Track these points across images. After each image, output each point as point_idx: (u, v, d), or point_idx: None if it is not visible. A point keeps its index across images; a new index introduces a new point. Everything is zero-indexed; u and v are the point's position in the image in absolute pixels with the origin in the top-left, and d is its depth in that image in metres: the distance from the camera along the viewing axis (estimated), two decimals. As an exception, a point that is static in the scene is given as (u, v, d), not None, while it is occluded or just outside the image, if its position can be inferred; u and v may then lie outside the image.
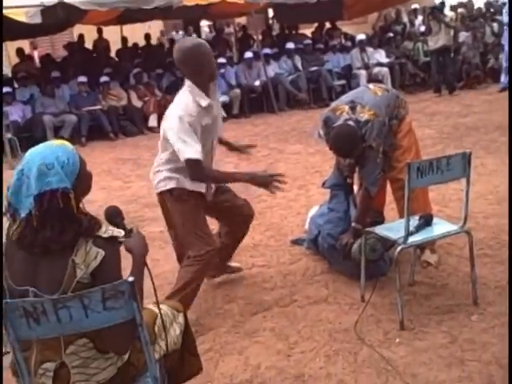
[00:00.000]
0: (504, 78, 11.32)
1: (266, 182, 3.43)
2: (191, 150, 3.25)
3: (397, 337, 3.23)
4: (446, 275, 3.93)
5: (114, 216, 2.31)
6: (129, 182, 7.37)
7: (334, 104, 3.99)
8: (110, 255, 2.04)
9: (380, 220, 4.11)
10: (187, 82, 3.40)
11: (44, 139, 9.56)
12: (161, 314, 2.33)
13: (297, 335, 3.36)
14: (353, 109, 3.79)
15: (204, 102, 3.35)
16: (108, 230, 2.08)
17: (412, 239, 3.39)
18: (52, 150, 2.05)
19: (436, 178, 3.36)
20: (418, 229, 3.50)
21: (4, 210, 2.11)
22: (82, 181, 2.11)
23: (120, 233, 2.11)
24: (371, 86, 4.15)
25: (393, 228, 3.58)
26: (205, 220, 3.59)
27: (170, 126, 3.33)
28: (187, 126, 3.27)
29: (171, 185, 3.47)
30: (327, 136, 3.86)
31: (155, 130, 10.75)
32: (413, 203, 3.42)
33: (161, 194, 3.57)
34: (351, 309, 3.60)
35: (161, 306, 2.49)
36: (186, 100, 3.36)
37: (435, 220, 3.62)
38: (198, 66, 3.33)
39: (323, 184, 4.38)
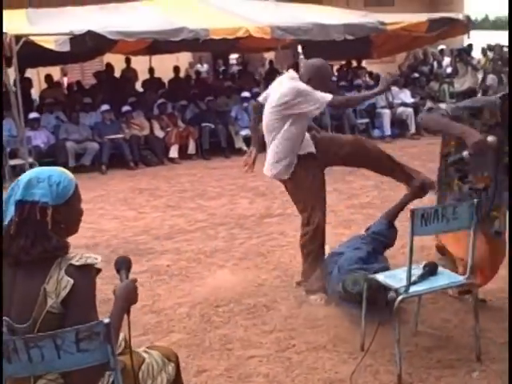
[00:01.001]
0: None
1: None
2: (324, 95, 4.17)
3: (393, 390, 3.12)
4: (451, 327, 3.81)
5: (120, 265, 2.28)
6: (143, 212, 7.34)
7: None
8: (81, 284, 2.01)
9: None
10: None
11: (66, 165, 9.63)
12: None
13: (290, 383, 3.27)
14: None
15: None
16: (81, 259, 2.05)
17: (414, 289, 3.29)
18: (51, 170, 2.14)
19: (441, 226, 3.28)
20: (422, 278, 3.40)
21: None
22: (69, 210, 2.12)
23: (96, 259, 2.08)
24: None
25: (396, 275, 3.49)
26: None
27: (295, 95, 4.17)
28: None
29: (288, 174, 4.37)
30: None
31: (175, 161, 10.79)
32: None
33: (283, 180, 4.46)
34: (350, 357, 3.49)
35: (151, 351, 2.44)
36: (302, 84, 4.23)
37: (440, 269, 3.52)
38: (319, 81, 4.29)
39: (367, 229, 4.45)
